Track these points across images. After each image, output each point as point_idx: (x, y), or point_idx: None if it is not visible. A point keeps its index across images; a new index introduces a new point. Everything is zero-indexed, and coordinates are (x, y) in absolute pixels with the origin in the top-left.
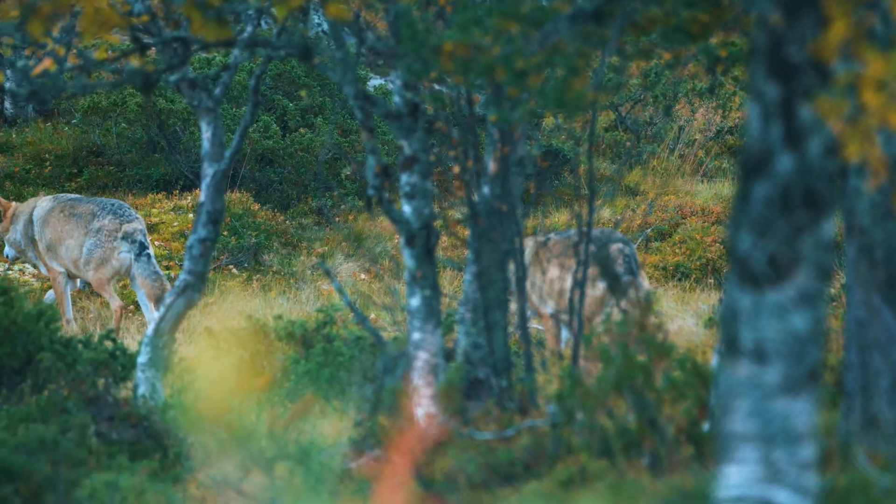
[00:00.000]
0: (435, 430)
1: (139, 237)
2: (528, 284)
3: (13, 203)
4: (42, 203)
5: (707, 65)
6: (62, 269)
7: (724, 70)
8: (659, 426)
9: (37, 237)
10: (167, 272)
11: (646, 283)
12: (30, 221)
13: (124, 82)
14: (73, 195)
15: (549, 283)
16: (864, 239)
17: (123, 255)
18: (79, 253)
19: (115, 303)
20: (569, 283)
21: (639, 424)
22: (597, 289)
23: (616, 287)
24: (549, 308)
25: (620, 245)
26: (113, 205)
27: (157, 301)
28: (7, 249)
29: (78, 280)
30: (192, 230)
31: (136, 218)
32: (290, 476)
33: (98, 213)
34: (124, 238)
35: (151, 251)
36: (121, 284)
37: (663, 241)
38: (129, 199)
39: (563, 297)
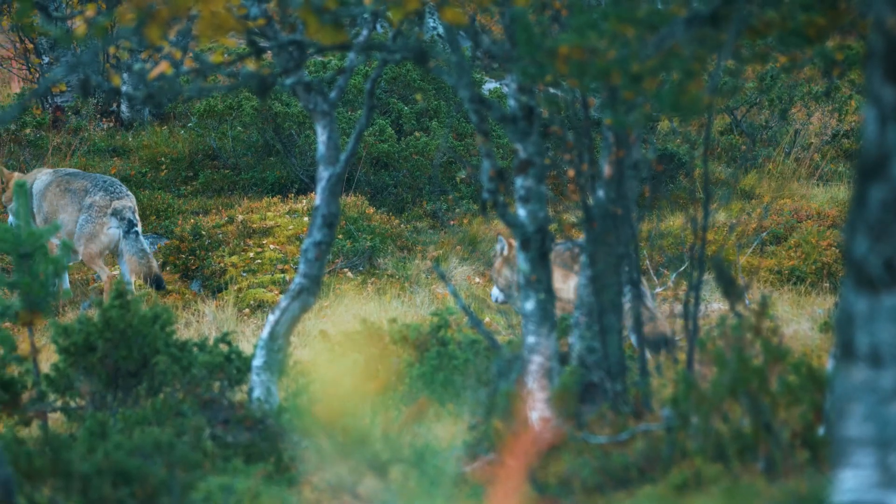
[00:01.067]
0: (549, 433)
1: (128, 214)
2: None
3: (15, 173)
4: (41, 177)
5: (823, 68)
6: (57, 242)
7: (841, 73)
8: (774, 430)
9: (35, 210)
10: (282, 276)
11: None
12: (29, 194)
13: (240, 86)
14: (71, 170)
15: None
16: None
17: (112, 230)
18: (73, 227)
19: (105, 273)
20: (572, 290)
21: (754, 428)
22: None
23: (731, 292)
24: None
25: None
26: (105, 181)
27: (142, 278)
28: (10, 218)
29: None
30: (308, 234)
31: (127, 195)
32: (405, 479)
33: (91, 189)
34: (114, 214)
35: (140, 228)
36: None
37: (778, 245)
38: (244, 202)
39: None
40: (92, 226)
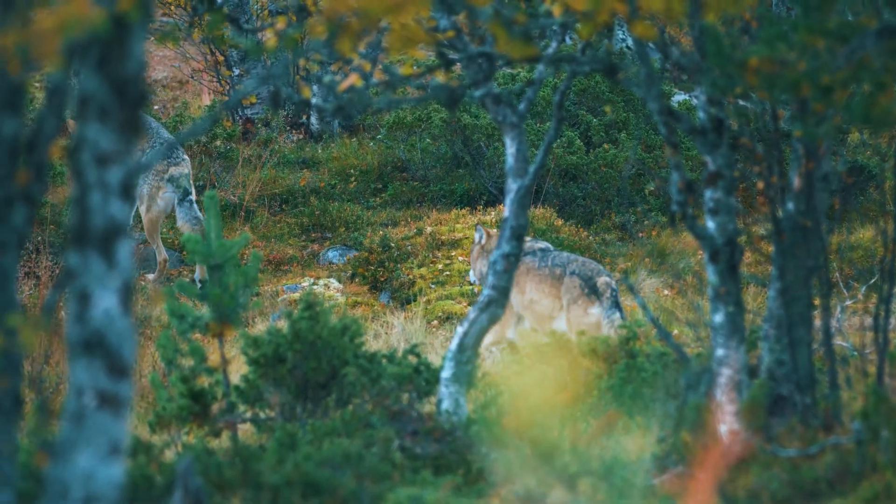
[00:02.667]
0: (738, 446)
1: (184, 182)
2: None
3: None
4: None
5: None
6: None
7: None
8: None
9: None
10: (470, 288)
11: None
12: None
13: (429, 98)
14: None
15: (529, 302)
16: None
17: (168, 195)
18: None
19: (161, 255)
20: (546, 307)
21: None
22: (590, 316)
23: None
24: (525, 324)
25: (607, 279)
26: (163, 144)
27: None
28: None
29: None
30: (497, 245)
31: (184, 160)
32: (594, 492)
33: (148, 151)
34: (170, 181)
35: (194, 197)
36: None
37: None
38: (432, 214)
39: (541, 320)
40: (148, 188)
